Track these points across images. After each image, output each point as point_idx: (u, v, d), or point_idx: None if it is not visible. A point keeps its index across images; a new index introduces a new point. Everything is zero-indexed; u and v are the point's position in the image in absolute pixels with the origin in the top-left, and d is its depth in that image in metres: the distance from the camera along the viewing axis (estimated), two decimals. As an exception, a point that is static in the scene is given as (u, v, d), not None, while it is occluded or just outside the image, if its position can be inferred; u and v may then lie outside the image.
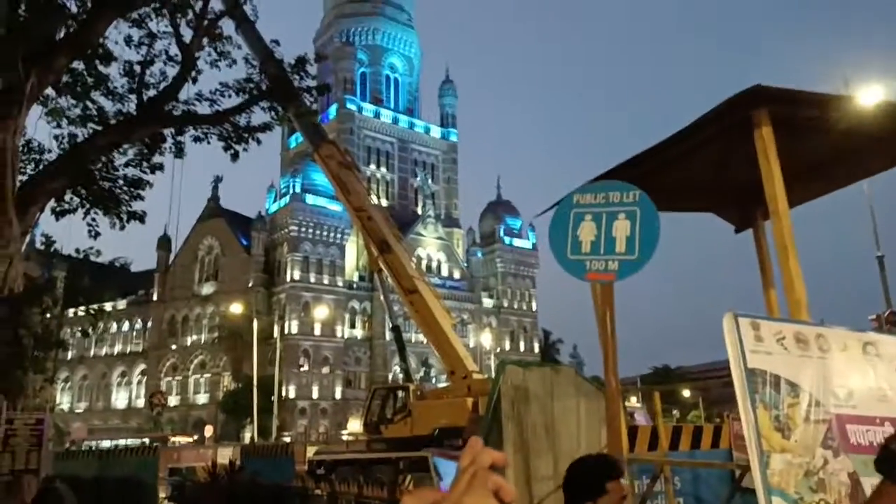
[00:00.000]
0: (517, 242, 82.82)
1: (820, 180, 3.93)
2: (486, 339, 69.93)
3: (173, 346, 71.47)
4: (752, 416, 1.90)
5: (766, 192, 2.94)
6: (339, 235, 69.80)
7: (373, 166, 78.72)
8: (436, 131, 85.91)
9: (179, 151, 11.69)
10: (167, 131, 11.43)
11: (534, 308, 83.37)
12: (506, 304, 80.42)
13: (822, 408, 2.03)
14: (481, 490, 0.60)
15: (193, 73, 10.94)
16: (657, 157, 3.57)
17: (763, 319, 2.13)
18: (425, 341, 26.74)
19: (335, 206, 62.70)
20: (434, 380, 55.03)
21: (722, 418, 8.79)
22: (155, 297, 73.14)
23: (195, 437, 46.65)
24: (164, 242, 73.82)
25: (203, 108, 11.36)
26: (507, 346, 77.88)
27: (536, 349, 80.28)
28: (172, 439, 47.24)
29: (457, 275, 78.34)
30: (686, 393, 46.39)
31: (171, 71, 10.94)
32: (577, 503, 2.27)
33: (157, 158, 11.54)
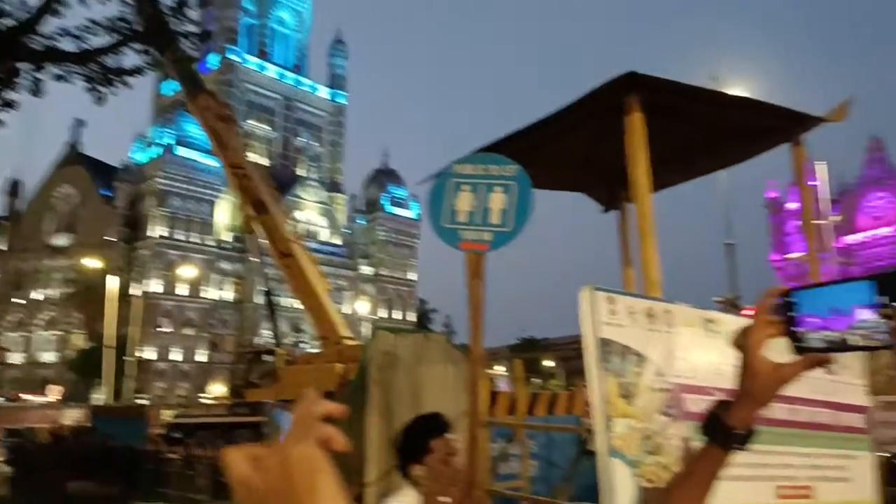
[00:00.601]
0: (400, 212, 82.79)
1: (683, 167, 4.18)
2: (363, 306, 69.77)
3: (19, 300, 66.04)
4: (600, 382, 2.00)
5: (630, 175, 3.08)
6: (212, 192, 66.78)
7: (253, 122, 75.73)
8: (324, 92, 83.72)
9: (37, 90, 10.71)
10: (24, 66, 10.43)
11: (412, 277, 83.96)
12: (385, 273, 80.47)
13: (665, 378, 2.16)
14: (310, 441, 0.60)
15: (58, 6, 10.01)
16: (534, 135, 3.67)
17: (619, 294, 2.23)
18: (299, 306, 26.30)
19: (210, 161, 59.83)
20: (307, 346, 54.36)
21: (577, 386, 9.34)
22: (1, 247, 67.08)
23: (58, 397, 43.35)
24: (14, 187, 67.84)
25: (68, 45, 10.45)
26: (384, 314, 78.14)
27: (413, 318, 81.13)
28: (25, 398, 43.91)
29: (337, 241, 77.38)
30: (550, 363, 48.57)
31: (33, 1, 9.95)
32: (405, 464, 2.19)
33: (10, 95, 10.52)
